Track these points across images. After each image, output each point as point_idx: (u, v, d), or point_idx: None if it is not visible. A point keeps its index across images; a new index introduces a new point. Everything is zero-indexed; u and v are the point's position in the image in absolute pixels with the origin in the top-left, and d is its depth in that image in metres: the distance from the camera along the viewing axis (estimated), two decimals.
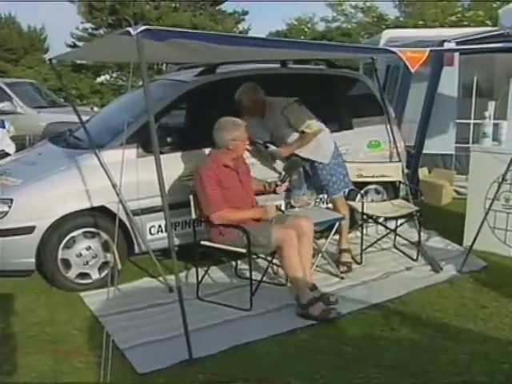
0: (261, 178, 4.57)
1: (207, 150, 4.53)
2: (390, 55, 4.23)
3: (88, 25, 25.17)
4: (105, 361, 2.87)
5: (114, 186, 4.21)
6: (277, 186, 4.38)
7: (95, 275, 4.39)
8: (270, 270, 4.45)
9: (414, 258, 4.96)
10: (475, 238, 4.74)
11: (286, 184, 4.41)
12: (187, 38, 2.90)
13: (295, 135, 4.68)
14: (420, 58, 3.77)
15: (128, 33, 2.67)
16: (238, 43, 3.17)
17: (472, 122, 8.04)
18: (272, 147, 4.74)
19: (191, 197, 4.15)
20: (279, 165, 4.89)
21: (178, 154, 4.57)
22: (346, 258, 4.80)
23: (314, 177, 4.83)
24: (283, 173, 4.54)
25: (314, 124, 4.66)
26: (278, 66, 5.37)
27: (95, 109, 12.44)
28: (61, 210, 4.16)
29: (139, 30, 2.63)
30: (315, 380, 3.07)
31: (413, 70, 3.84)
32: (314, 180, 4.85)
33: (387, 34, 9.81)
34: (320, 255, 4.64)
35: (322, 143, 4.75)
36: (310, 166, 4.82)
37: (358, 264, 4.84)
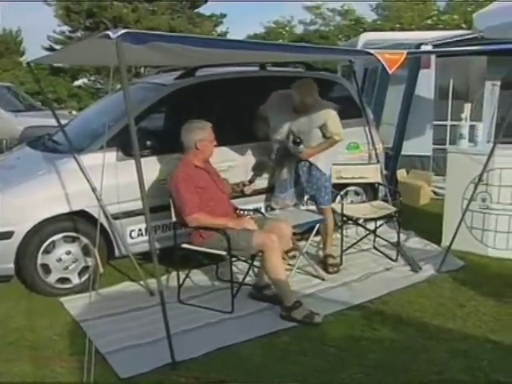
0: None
1: None
2: (368, 57, 4.27)
3: (65, 27, 24.93)
4: (87, 365, 2.86)
5: (93, 189, 4.18)
6: (244, 185, 4.42)
7: (75, 280, 4.35)
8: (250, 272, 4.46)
9: (394, 258, 5.02)
10: (453, 238, 4.81)
11: (255, 184, 4.44)
12: (167, 41, 2.90)
13: (319, 137, 4.68)
14: (398, 60, 3.82)
15: (107, 36, 2.66)
16: (217, 46, 3.17)
17: (448, 123, 8.17)
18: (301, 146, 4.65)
19: (171, 200, 4.15)
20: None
21: (158, 158, 4.56)
22: (332, 260, 4.82)
23: (308, 183, 4.78)
24: (252, 173, 4.56)
25: (343, 134, 4.73)
26: (257, 68, 5.39)
27: (73, 112, 12.33)
28: (40, 214, 4.12)
29: (119, 33, 2.62)
30: (299, 381, 3.08)
31: (390, 72, 3.89)
32: (307, 185, 4.79)
33: (365, 37, 9.93)
34: (301, 257, 4.66)
35: (333, 154, 4.83)
36: (307, 171, 4.76)
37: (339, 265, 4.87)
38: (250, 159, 4.95)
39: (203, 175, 4.15)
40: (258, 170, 4.55)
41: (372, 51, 3.88)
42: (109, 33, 2.64)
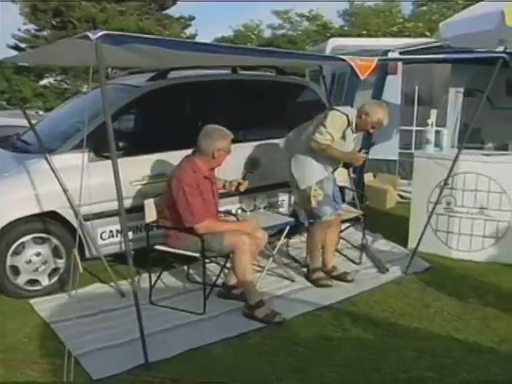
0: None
1: (160, 155, 4.55)
2: (339, 63, 4.37)
3: (31, 26, 24.48)
4: (60, 368, 2.84)
5: (65, 190, 4.15)
6: (239, 184, 4.42)
7: (45, 282, 4.31)
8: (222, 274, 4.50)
9: (360, 260, 5.10)
10: (419, 241, 4.95)
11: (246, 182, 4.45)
12: (146, 44, 2.92)
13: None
14: (369, 67, 3.93)
15: (87, 37, 2.66)
16: (196, 49, 3.21)
17: (414, 128, 8.35)
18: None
19: (145, 202, 4.16)
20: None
21: (130, 159, 4.51)
22: (340, 269, 4.80)
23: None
24: (244, 171, 4.56)
25: None
26: (229, 72, 5.42)
27: (40, 113, 12.14)
28: (10, 215, 4.06)
29: (98, 34, 2.64)
30: (270, 381, 3.13)
31: (362, 78, 3.99)
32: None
33: (333, 42, 10.09)
34: (271, 259, 4.72)
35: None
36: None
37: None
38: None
39: (208, 187, 4.07)
40: (250, 167, 4.56)
41: (344, 57, 3.97)
42: (88, 34, 2.65)
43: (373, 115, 4.36)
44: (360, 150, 4.61)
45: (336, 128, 4.34)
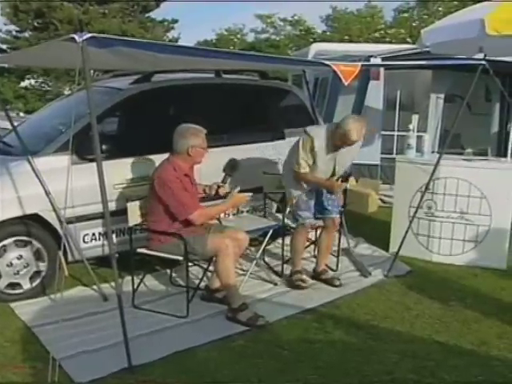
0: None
1: (144, 158, 4.55)
2: (323, 68, 4.40)
3: (12, 27, 24.23)
4: (41, 371, 2.82)
5: (47, 193, 4.13)
6: (219, 187, 4.39)
7: (26, 285, 4.27)
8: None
9: (334, 269, 5.01)
10: (400, 245, 5.00)
11: (227, 185, 4.42)
12: (132, 47, 2.92)
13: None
14: (353, 72, 3.97)
15: (73, 39, 2.66)
16: (180, 53, 3.22)
17: (396, 133, 8.45)
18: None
19: (128, 204, 4.15)
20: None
21: (113, 162, 4.50)
22: (332, 273, 4.84)
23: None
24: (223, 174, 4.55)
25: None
26: (212, 75, 5.43)
27: (21, 114, 12.01)
28: None
29: (84, 37, 2.63)
30: (255, 383, 3.14)
31: (346, 83, 4.03)
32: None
33: (315, 48, 10.16)
34: (254, 262, 4.73)
35: None
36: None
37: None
38: (204, 164, 4.94)
39: (190, 185, 4.11)
40: (229, 170, 4.55)
41: (328, 63, 4.01)
42: (74, 36, 2.65)
43: (342, 127, 4.22)
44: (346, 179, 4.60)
45: (306, 153, 4.39)
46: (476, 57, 4.69)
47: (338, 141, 4.33)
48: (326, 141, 4.37)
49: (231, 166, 4.53)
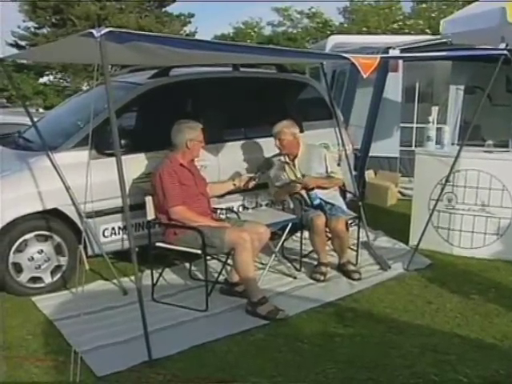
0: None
1: (161, 152, 4.55)
2: (341, 60, 4.36)
3: (31, 23, 24.44)
4: (63, 364, 2.84)
5: (67, 188, 4.16)
6: (250, 179, 4.58)
7: (48, 279, 4.32)
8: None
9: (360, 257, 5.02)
10: (420, 238, 4.96)
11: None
12: (150, 42, 2.92)
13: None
14: (372, 65, 3.93)
15: (91, 34, 2.67)
16: (198, 47, 3.21)
17: (415, 126, 8.35)
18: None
19: (146, 199, 4.17)
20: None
21: (132, 156, 4.53)
22: (353, 267, 4.80)
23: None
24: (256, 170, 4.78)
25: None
26: (230, 69, 5.42)
27: (40, 110, 12.13)
28: (12, 212, 4.05)
29: (103, 32, 2.64)
30: (274, 377, 3.14)
31: (365, 76, 3.99)
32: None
33: (333, 40, 10.06)
34: (274, 256, 4.72)
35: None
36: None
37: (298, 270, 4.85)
38: (223, 158, 4.98)
39: (187, 174, 4.21)
40: (262, 168, 4.80)
41: (347, 55, 3.97)
42: (93, 31, 2.65)
43: (274, 134, 4.75)
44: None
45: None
46: (498, 47, 4.61)
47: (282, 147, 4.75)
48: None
49: (266, 164, 4.79)
